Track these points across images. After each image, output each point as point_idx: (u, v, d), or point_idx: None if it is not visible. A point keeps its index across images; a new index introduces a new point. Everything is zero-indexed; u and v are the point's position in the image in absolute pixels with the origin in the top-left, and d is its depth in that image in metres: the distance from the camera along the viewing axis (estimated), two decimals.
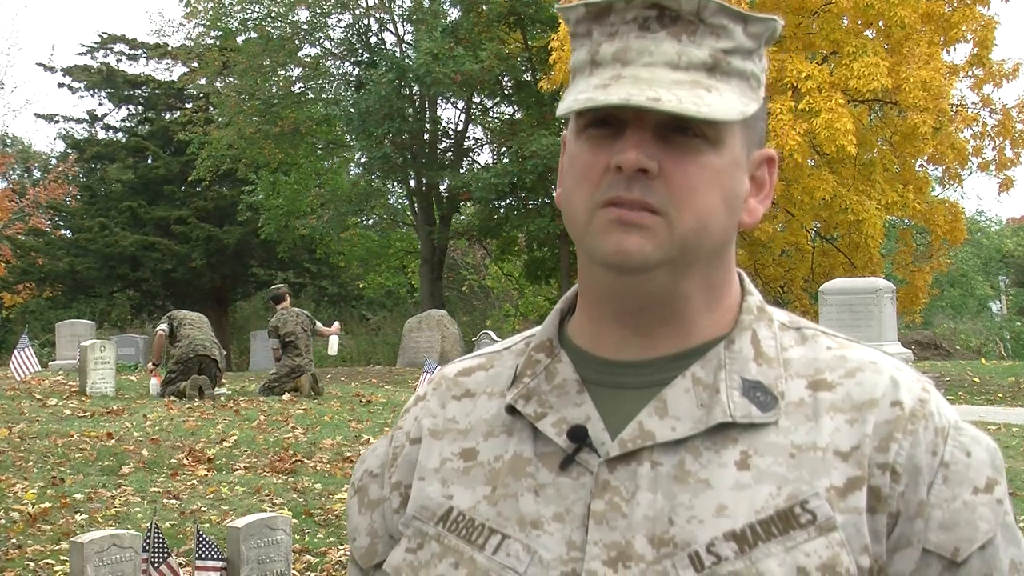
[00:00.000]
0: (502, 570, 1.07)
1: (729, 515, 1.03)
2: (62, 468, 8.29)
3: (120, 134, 35.13)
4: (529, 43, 24.64)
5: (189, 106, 31.26)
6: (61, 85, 34.85)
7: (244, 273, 31.54)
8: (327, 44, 27.99)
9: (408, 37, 27.41)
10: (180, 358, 12.97)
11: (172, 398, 12.53)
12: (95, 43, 34.59)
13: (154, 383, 13.40)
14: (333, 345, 14.28)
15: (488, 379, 1.19)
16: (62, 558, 5.93)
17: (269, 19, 26.93)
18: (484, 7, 24.48)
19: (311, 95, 27.89)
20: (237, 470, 8.52)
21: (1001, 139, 19.23)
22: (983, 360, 19.86)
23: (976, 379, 15.62)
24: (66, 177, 34.32)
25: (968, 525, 1.06)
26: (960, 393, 14.29)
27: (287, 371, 13.62)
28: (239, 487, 7.82)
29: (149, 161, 32.52)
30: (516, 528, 1.08)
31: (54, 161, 38.25)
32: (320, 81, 27.95)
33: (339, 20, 27.78)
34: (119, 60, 34.63)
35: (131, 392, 13.66)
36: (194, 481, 8.04)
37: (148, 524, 5.02)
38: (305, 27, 27.18)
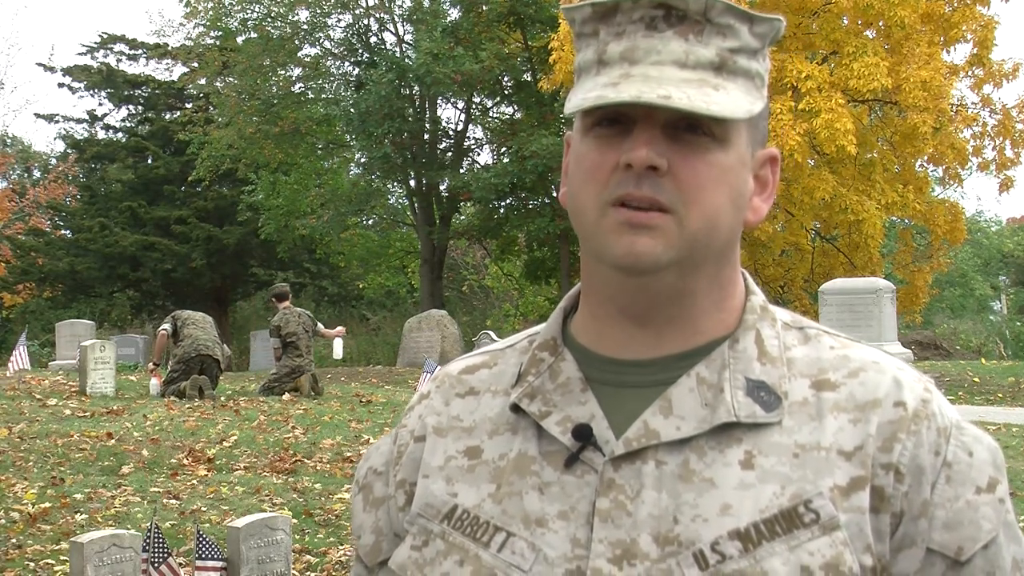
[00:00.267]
0: (507, 568, 1.08)
1: (733, 514, 1.04)
2: (62, 468, 8.29)
3: (120, 134, 35.14)
4: (529, 43, 24.63)
5: (189, 106, 31.27)
6: (61, 85, 34.88)
7: (244, 273, 31.55)
8: (327, 44, 28.02)
9: (408, 37, 27.43)
10: (182, 357, 12.99)
11: (172, 398, 12.53)
12: (95, 43, 34.63)
13: (154, 383, 13.40)
14: (338, 348, 14.23)
15: (492, 377, 1.20)
16: (62, 558, 5.93)
17: (269, 19, 26.93)
18: (484, 7, 24.48)
19: (311, 95, 27.90)
20: (237, 470, 8.52)
21: (1001, 139, 19.24)
22: (983, 360, 19.85)
23: (976, 379, 15.62)
24: (66, 177, 34.32)
25: (971, 525, 1.07)
26: (960, 393, 14.29)
27: (287, 371, 13.63)
28: (239, 487, 7.82)
29: (149, 161, 32.53)
30: (521, 526, 1.09)
31: (54, 161, 38.25)
32: (320, 81, 27.96)
33: (339, 20, 27.83)
34: (119, 60, 34.66)
35: (131, 392, 13.65)
36: (194, 481, 8.03)
37: (148, 524, 5.02)
38: (305, 27, 27.19)
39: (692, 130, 1.06)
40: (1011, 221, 43.59)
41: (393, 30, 27.91)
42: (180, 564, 5.21)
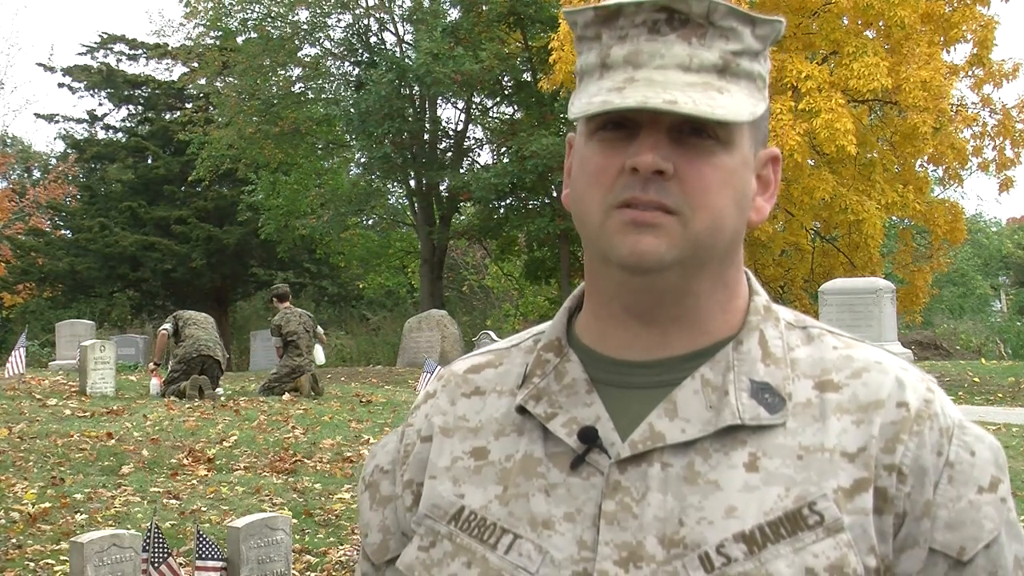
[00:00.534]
0: (515, 570, 1.08)
1: (738, 516, 1.04)
2: (62, 468, 8.29)
3: (120, 134, 35.13)
4: (529, 43, 24.63)
5: (189, 106, 31.26)
6: (61, 85, 34.86)
7: (244, 273, 31.55)
8: (327, 44, 28.02)
9: (408, 37, 27.43)
10: (183, 357, 13.00)
11: (172, 398, 12.53)
12: (95, 43, 34.61)
13: (154, 383, 13.41)
14: (319, 354, 14.21)
15: (497, 377, 1.20)
16: (62, 558, 5.92)
17: (269, 19, 26.93)
18: (484, 7, 24.47)
19: (311, 95, 27.90)
20: (237, 470, 8.52)
21: (1001, 139, 19.22)
22: (983, 360, 19.86)
23: (976, 379, 15.63)
24: (66, 177, 34.31)
25: (973, 524, 1.08)
26: (960, 393, 14.30)
27: (287, 371, 13.65)
28: (239, 487, 7.82)
29: (149, 161, 32.51)
30: (528, 528, 1.09)
31: (54, 161, 38.24)
32: (320, 81, 27.95)
33: (339, 20, 27.82)
34: (119, 60, 34.64)
35: (131, 392, 13.66)
36: (194, 481, 8.03)
37: (148, 524, 5.02)
38: (305, 27, 27.18)
39: (697, 133, 1.07)
40: (1011, 221, 43.60)
41: (393, 30, 27.93)
42: (180, 564, 5.21)
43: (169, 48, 32.87)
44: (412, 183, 27.39)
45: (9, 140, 42.52)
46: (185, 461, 8.69)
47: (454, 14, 26.00)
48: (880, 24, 18.29)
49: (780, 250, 20.57)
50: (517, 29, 24.97)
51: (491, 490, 1.13)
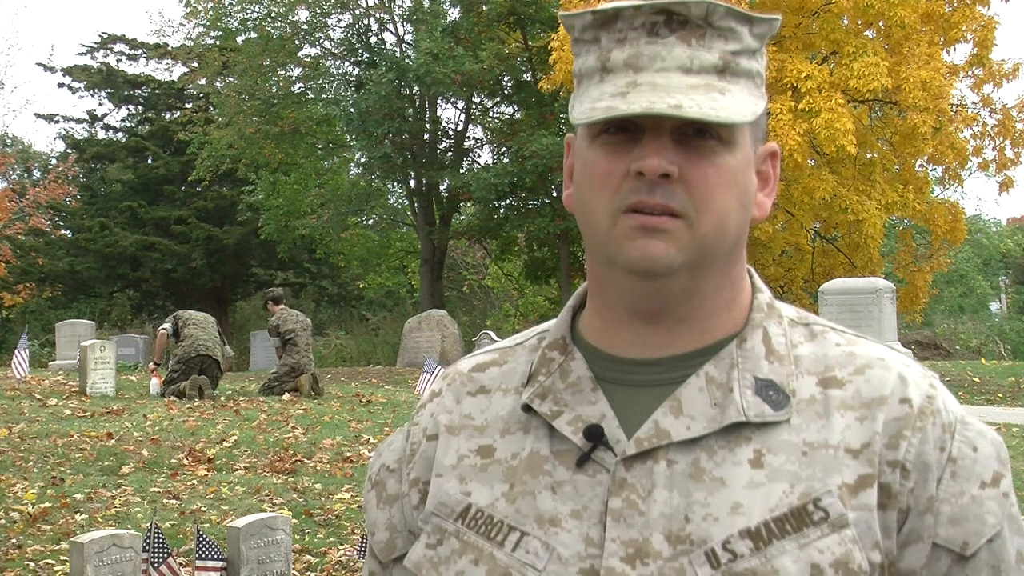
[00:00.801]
0: (522, 567, 1.08)
1: (744, 513, 1.05)
2: (62, 468, 8.29)
3: (120, 134, 35.12)
4: (529, 43, 24.62)
5: (189, 106, 31.26)
6: (61, 85, 34.86)
7: (244, 273, 31.55)
8: (327, 44, 28.01)
9: (408, 37, 27.42)
10: (182, 357, 13.01)
11: (172, 398, 12.54)
12: (95, 43, 34.61)
13: (154, 383, 13.42)
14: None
15: (502, 375, 1.20)
16: (62, 558, 5.93)
17: (269, 19, 26.92)
18: (484, 7, 24.46)
19: (311, 95, 27.89)
20: (237, 470, 8.52)
21: (1001, 139, 19.23)
22: (983, 360, 19.87)
23: (976, 379, 15.64)
24: (66, 177, 34.29)
25: (976, 519, 1.08)
26: (960, 393, 14.30)
27: (287, 370, 13.67)
28: (239, 487, 7.82)
29: (149, 161, 32.50)
30: (534, 525, 1.10)
31: (54, 161, 38.22)
32: (320, 81, 27.94)
33: (339, 20, 27.81)
34: (119, 60, 34.64)
35: (131, 392, 13.66)
36: (194, 481, 8.03)
37: (148, 524, 5.02)
38: (305, 27, 27.17)
39: (700, 135, 1.07)
40: (1011, 221, 43.59)
41: (393, 30, 27.92)
42: (180, 564, 5.21)
43: (169, 48, 32.86)
44: (412, 183, 27.38)
45: (9, 140, 42.52)
46: (185, 461, 8.69)
47: (454, 14, 26.00)
48: (880, 24, 18.29)
49: (780, 250, 20.56)
50: (517, 29, 24.96)
51: (498, 488, 1.13)
